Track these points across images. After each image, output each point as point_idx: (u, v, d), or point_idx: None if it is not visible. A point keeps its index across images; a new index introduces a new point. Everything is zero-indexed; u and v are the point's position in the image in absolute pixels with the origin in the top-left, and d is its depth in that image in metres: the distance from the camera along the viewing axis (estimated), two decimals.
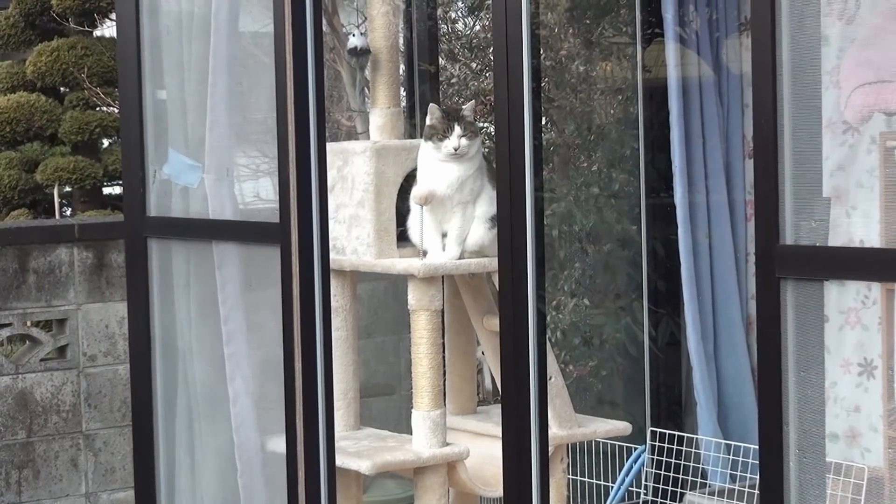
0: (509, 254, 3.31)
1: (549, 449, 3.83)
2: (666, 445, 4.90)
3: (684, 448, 4.92)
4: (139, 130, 4.27)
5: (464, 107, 4.17)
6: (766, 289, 2.72)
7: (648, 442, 4.95)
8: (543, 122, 5.78)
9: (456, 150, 4.10)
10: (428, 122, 4.18)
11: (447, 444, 4.17)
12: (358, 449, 4.18)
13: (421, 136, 4.31)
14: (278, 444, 3.89)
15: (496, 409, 4.28)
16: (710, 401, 5.05)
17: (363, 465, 4.07)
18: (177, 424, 4.28)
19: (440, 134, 4.12)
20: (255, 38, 4.09)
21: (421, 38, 5.23)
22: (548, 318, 5.42)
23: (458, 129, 4.10)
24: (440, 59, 5.91)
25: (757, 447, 2.79)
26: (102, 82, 9.05)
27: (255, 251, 3.99)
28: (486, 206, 4.15)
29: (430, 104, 4.31)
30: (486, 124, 6.24)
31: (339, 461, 3.95)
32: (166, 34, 4.24)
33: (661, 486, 4.93)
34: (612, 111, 5.68)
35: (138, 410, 4.35)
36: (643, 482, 4.96)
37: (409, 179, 4.27)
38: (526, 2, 3.25)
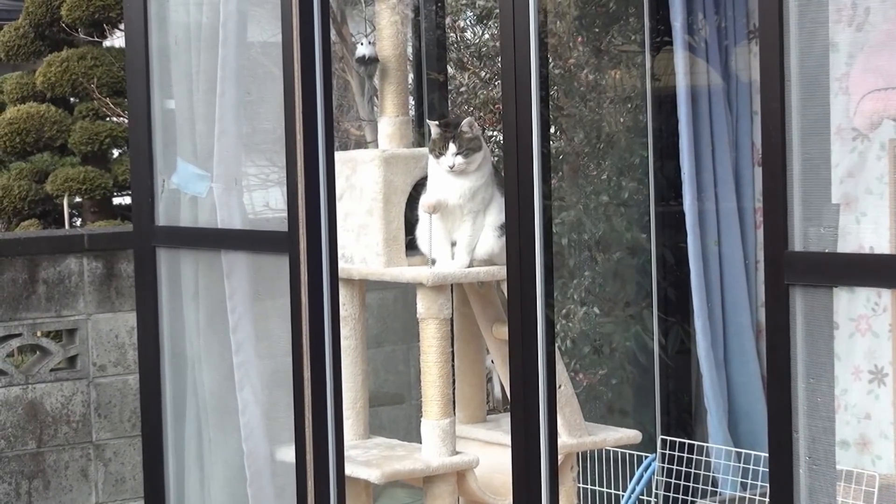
0: (518, 262, 3.31)
1: (559, 457, 3.82)
2: (676, 454, 4.88)
3: (695, 456, 4.91)
4: (148, 140, 4.28)
5: (462, 122, 4.15)
6: (775, 296, 2.71)
7: (659, 450, 4.93)
8: (553, 130, 5.78)
9: (451, 167, 4.11)
10: (430, 136, 4.20)
11: (457, 453, 4.17)
12: (367, 458, 4.18)
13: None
14: (287, 454, 3.89)
15: (506, 418, 4.28)
16: (721, 409, 5.04)
17: (373, 475, 4.07)
18: (186, 434, 4.28)
19: (438, 150, 4.13)
20: (264, 47, 4.09)
21: (429, 46, 5.23)
22: (557, 326, 5.41)
23: (452, 148, 4.10)
24: (449, 68, 5.91)
25: (767, 455, 2.78)
26: (112, 93, 9.07)
27: (264, 260, 3.99)
28: (496, 214, 4.15)
29: (427, 120, 4.32)
30: (494, 133, 6.24)
31: (349, 470, 3.95)
32: (174, 44, 4.25)
33: (671, 495, 4.91)
34: (621, 119, 5.68)
35: (148, 420, 4.36)
36: (653, 491, 4.94)
37: (418, 188, 4.27)
38: (534, 11, 3.25)
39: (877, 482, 3.50)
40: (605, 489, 5.01)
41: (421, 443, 4.19)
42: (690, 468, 4.90)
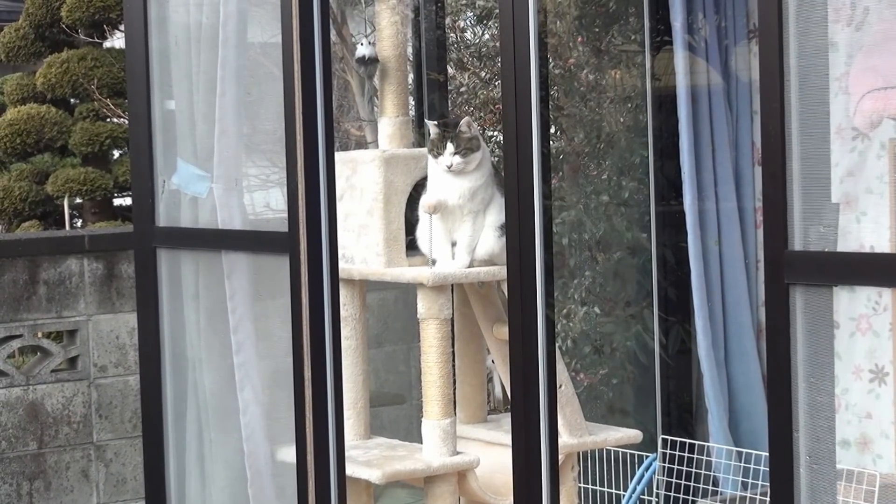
0: (518, 262, 3.31)
1: (560, 457, 3.82)
2: (677, 453, 4.88)
3: (695, 456, 4.91)
4: (148, 141, 4.28)
5: (460, 122, 4.15)
6: (775, 295, 2.71)
7: (659, 450, 4.93)
8: (553, 130, 5.78)
9: (449, 167, 4.11)
10: (429, 136, 4.21)
11: (457, 453, 4.17)
12: (368, 458, 4.18)
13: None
14: (288, 454, 3.89)
15: (507, 418, 4.28)
16: (721, 408, 5.04)
17: (373, 475, 4.07)
18: (187, 435, 4.28)
19: (436, 150, 4.13)
20: (264, 48, 4.09)
21: (429, 47, 5.24)
22: (558, 326, 5.41)
23: (450, 147, 4.10)
24: (449, 68, 5.91)
25: (768, 454, 2.78)
26: (112, 93, 9.07)
27: (265, 261, 4.00)
28: (496, 214, 4.15)
29: (426, 120, 4.32)
30: (495, 133, 6.24)
31: (350, 470, 3.95)
32: (175, 45, 4.25)
33: (672, 494, 4.91)
34: (621, 119, 5.68)
35: (149, 421, 4.36)
36: (654, 490, 4.94)
37: (418, 188, 4.27)
38: (534, 11, 3.25)
39: (877, 481, 3.51)
40: (605, 489, 5.01)
41: (422, 443, 4.19)
42: (691, 468, 4.90)
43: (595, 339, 5.55)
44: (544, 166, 3.29)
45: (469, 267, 4.17)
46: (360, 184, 4.26)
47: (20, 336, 5.55)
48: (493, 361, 4.83)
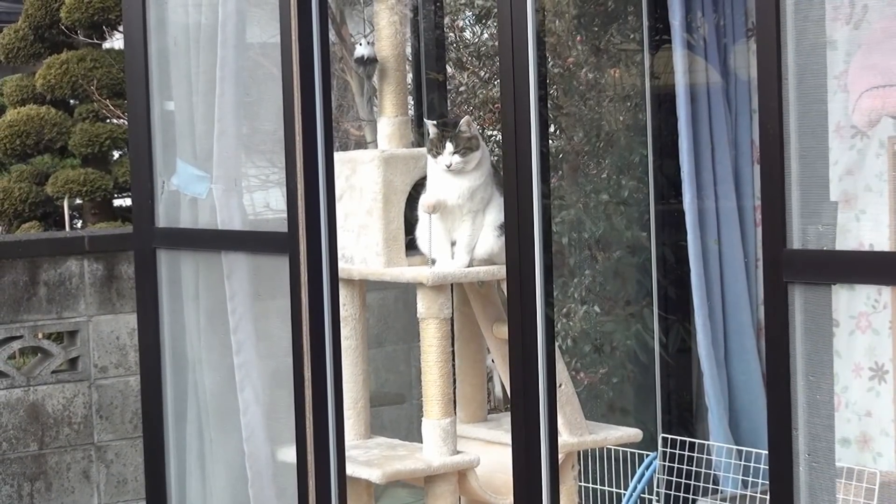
0: (517, 261, 3.31)
1: (560, 456, 3.83)
2: (677, 452, 4.89)
3: (696, 454, 4.91)
4: (147, 142, 4.28)
5: (460, 122, 4.15)
6: (774, 294, 2.71)
7: (660, 448, 4.94)
8: (552, 129, 5.78)
9: (448, 166, 4.11)
10: (428, 136, 4.21)
11: (458, 453, 4.17)
12: (368, 458, 4.18)
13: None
14: (289, 454, 3.89)
15: (507, 417, 4.28)
16: (722, 407, 5.04)
17: (374, 474, 4.07)
18: (187, 435, 4.28)
19: (436, 150, 4.13)
20: (263, 48, 4.10)
21: (428, 46, 5.24)
22: (558, 325, 5.41)
23: (449, 147, 4.10)
24: (448, 68, 5.91)
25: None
26: (112, 94, 9.07)
27: (264, 261, 4.00)
28: (495, 214, 4.15)
29: (425, 120, 4.33)
30: (494, 132, 6.24)
31: (350, 470, 3.95)
32: (174, 46, 4.25)
33: (672, 493, 4.92)
34: (620, 118, 5.68)
35: (149, 421, 4.36)
36: (655, 489, 4.95)
37: (418, 188, 4.27)
38: (532, 10, 3.25)
39: (877, 479, 3.51)
40: (606, 488, 5.01)
41: (422, 442, 4.20)
42: (691, 466, 4.90)
43: (595, 338, 5.55)
44: (543, 165, 3.29)
45: (468, 266, 4.18)
46: (360, 184, 4.27)
47: (21, 337, 5.55)
48: (493, 361, 4.84)
